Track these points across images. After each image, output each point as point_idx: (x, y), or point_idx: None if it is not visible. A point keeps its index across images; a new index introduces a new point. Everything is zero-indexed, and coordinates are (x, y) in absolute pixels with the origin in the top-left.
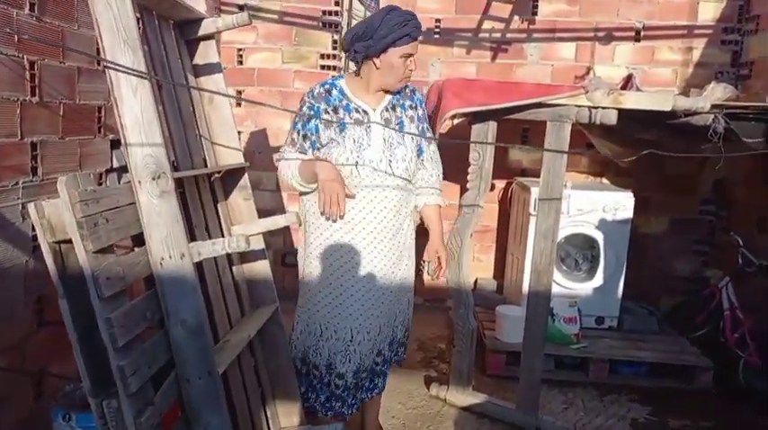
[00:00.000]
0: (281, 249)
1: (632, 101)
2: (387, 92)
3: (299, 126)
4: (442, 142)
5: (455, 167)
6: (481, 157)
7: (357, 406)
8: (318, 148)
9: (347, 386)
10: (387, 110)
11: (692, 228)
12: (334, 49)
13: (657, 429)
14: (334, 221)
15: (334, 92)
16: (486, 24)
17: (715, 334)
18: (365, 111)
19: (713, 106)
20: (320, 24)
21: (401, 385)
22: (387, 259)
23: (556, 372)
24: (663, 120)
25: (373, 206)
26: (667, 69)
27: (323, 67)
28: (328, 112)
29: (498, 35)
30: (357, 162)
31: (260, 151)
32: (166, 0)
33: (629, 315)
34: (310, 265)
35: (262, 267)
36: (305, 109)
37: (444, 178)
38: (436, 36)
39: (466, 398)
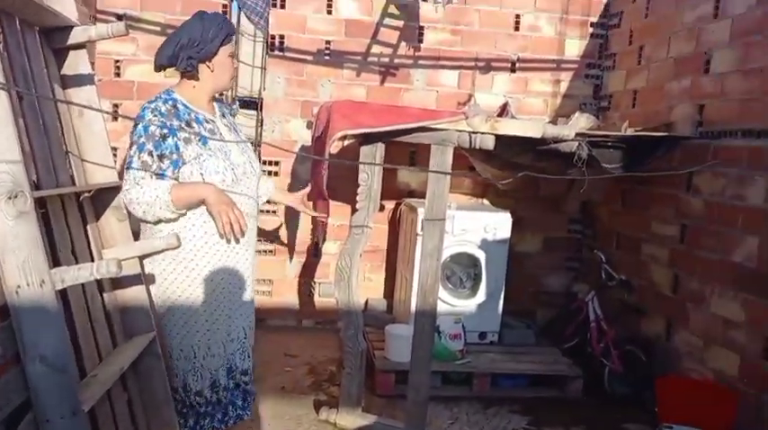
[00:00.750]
0: None
1: (507, 127)
2: (213, 98)
3: (151, 147)
4: (331, 162)
5: (345, 189)
6: (370, 178)
7: (232, 421)
8: (180, 166)
9: (209, 402)
10: (222, 117)
11: (562, 246)
12: None
13: None
14: (228, 242)
15: (180, 106)
16: (375, 49)
17: (584, 344)
18: (212, 120)
19: (577, 134)
20: None
21: (289, 411)
22: (251, 268)
23: (442, 388)
24: (535, 145)
25: (250, 213)
26: (539, 99)
27: None
28: (184, 129)
29: (387, 59)
30: (234, 170)
31: None
32: (30, 5)
33: (509, 329)
34: (192, 289)
35: (137, 293)
36: (156, 128)
37: (335, 199)
38: (327, 57)
39: (355, 420)
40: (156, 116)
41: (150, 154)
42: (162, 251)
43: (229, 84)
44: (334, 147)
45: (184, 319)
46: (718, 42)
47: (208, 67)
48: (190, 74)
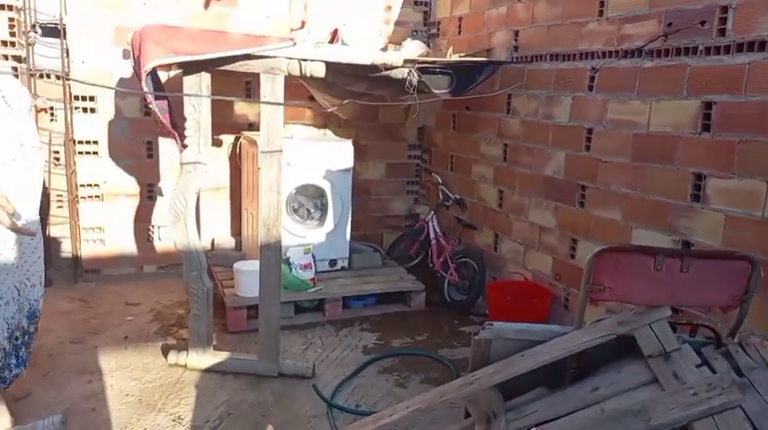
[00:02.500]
0: None
1: (336, 54)
2: None
3: None
4: (150, 95)
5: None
6: (197, 111)
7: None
8: None
9: None
10: None
11: (403, 171)
12: (13, 34)
13: (383, 350)
14: None
15: None
16: None
17: (426, 261)
18: None
19: (406, 61)
20: None
21: (135, 360)
22: None
23: (297, 318)
24: (368, 73)
25: None
26: (372, 26)
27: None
28: None
29: None
30: None
31: None
32: None
33: (358, 254)
34: None
35: None
36: None
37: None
38: None
39: (207, 359)
40: None
41: None
42: None
43: None
44: (163, 77)
45: None
46: None
47: None
48: None
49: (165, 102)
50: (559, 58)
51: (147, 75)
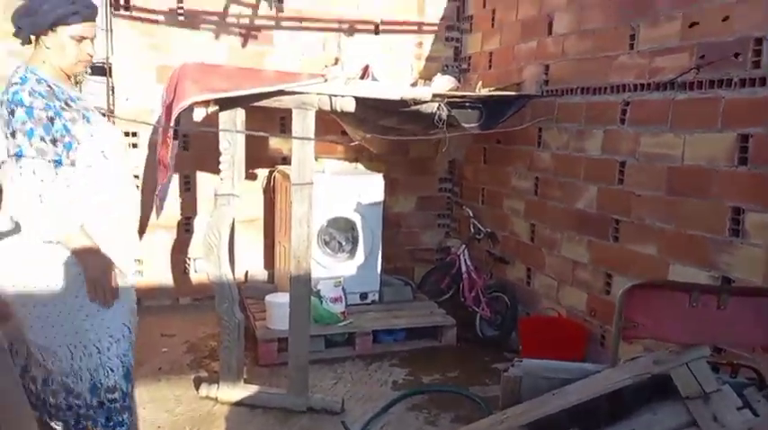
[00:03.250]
0: None
1: (366, 89)
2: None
3: (41, 131)
4: (189, 131)
5: (213, 158)
6: (231, 146)
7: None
8: (75, 147)
9: (89, 405)
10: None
11: (434, 205)
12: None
13: (413, 386)
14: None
15: (53, 86)
16: (234, 9)
17: (457, 295)
18: (81, 98)
19: (436, 95)
20: None
21: (168, 392)
22: None
23: (327, 352)
24: (398, 108)
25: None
26: (404, 62)
27: None
28: (65, 108)
29: (247, 21)
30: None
31: None
32: None
33: (389, 287)
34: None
35: None
36: (41, 111)
37: (202, 169)
38: (180, 18)
39: (237, 392)
40: (35, 98)
41: (42, 139)
42: None
43: (75, 69)
44: (197, 115)
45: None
46: (559, 5)
47: (44, 42)
48: (34, 46)
49: (177, 142)
50: (590, 92)
51: (179, 111)
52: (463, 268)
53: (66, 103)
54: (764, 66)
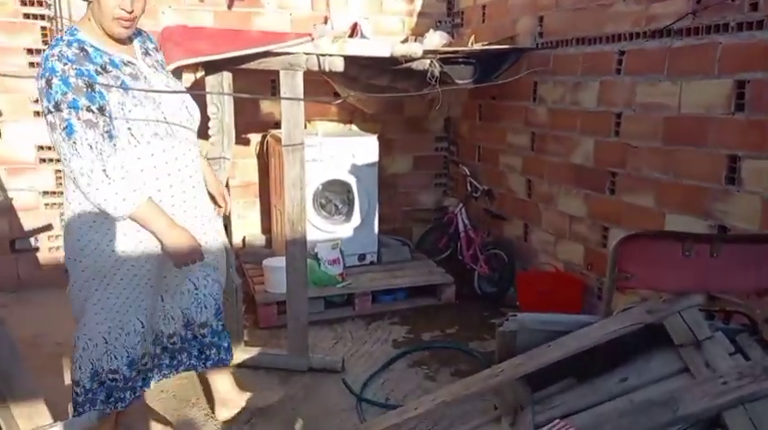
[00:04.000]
0: (7, 234)
1: (354, 48)
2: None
3: (85, 101)
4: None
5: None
6: (220, 110)
7: (182, 367)
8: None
9: (126, 378)
10: (146, 55)
11: (430, 164)
12: (45, 42)
13: (413, 343)
14: None
15: (89, 48)
16: None
17: (455, 254)
18: (131, 62)
19: (428, 52)
20: None
21: None
22: (201, 221)
23: (326, 313)
24: (390, 66)
25: (191, 165)
26: (395, 18)
27: (26, 15)
28: (101, 73)
29: None
30: (167, 119)
31: None
32: None
33: (386, 248)
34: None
35: None
36: (77, 79)
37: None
38: None
39: (239, 354)
40: (66, 64)
41: (89, 109)
42: None
43: (111, 26)
44: (186, 79)
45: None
46: None
47: (96, 1)
48: (89, 3)
49: None
50: (585, 42)
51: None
52: (461, 226)
53: (104, 68)
54: (761, 8)
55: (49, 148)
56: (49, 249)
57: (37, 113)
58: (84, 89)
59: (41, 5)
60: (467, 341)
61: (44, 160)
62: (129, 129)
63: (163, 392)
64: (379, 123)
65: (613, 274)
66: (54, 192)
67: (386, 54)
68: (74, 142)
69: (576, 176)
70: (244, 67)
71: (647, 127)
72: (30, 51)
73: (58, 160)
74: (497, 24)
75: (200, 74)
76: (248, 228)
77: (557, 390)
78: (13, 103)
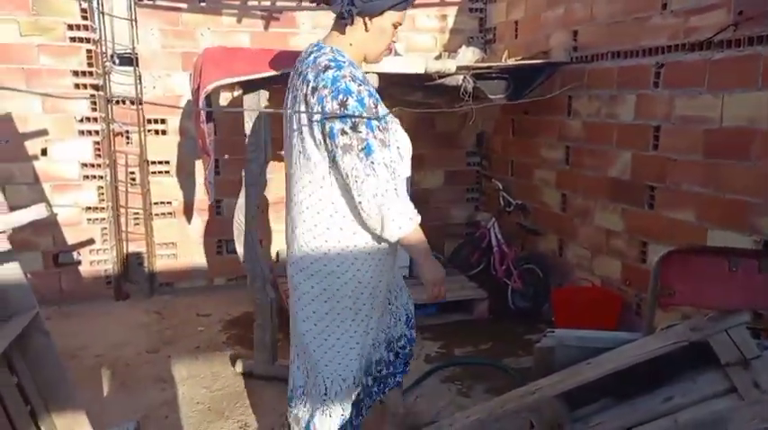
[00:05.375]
0: (51, 248)
1: (389, 65)
2: None
3: (377, 120)
4: (214, 114)
5: (242, 142)
6: (258, 128)
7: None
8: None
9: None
10: None
11: (462, 179)
12: (84, 18)
13: (445, 359)
14: None
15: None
16: None
17: (488, 268)
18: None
19: (461, 68)
20: None
21: (205, 369)
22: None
23: None
24: (422, 82)
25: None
26: (427, 36)
27: (73, 39)
28: (373, 95)
29: (268, 3)
30: (397, 141)
31: (7, 140)
32: None
33: None
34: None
35: (10, 271)
36: (367, 99)
37: (232, 153)
38: (202, 4)
39: (271, 368)
40: (359, 84)
41: (381, 129)
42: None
43: (380, 57)
44: (223, 98)
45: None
46: None
47: (365, 24)
48: (343, 25)
49: (213, 125)
50: (621, 56)
51: (205, 97)
52: (493, 241)
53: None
54: None
55: (93, 166)
56: (91, 263)
57: (81, 132)
58: (374, 109)
59: (87, 30)
60: (500, 357)
61: (87, 177)
62: (398, 148)
63: (199, 404)
64: (411, 138)
65: (656, 290)
66: (96, 208)
67: (420, 70)
68: (371, 162)
69: (613, 190)
70: (280, 86)
71: (686, 140)
72: (75, 73)
73: (101, 177)
74: (530, 39)
75: (237, 93)
76: (281, 242)
77: (596, 409)
78: (59, 123)
